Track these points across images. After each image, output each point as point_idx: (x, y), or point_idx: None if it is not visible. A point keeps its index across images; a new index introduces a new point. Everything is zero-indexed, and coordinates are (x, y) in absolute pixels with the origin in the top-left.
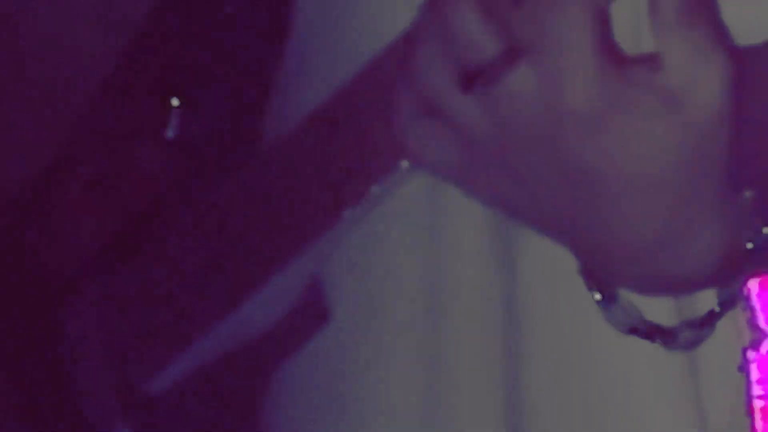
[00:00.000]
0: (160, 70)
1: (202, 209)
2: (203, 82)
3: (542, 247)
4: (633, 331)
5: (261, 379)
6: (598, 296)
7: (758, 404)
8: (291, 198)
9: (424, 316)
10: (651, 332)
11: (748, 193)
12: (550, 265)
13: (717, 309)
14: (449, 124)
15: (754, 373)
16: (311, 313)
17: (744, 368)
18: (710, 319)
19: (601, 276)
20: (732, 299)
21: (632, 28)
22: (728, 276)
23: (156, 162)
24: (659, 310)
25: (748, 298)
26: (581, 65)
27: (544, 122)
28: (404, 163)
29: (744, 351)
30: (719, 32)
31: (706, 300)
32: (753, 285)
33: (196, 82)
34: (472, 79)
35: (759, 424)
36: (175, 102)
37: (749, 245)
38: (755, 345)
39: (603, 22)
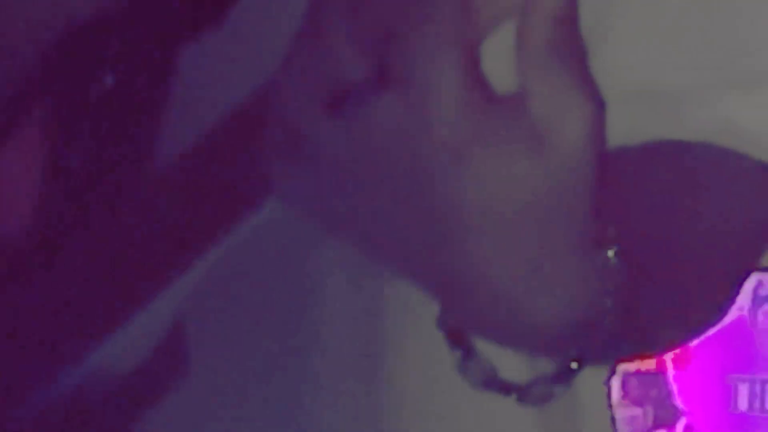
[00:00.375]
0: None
1: (68, 241)
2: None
3: (407, 294)
4: (487, 385)
5: (122, 425)
6: (455, 349)
7: None
8: (155, 235)
9: (288, 364)
10: (504, 387)
11: (610, 252)
12: (413, 314)
13: (573, 366)
14: (314, 155)
15: None
16: (172, 359)
17: None
18: (564, 376)
19: (458, 325)
20: (589, 357)
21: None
22: (587, 333)
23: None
24: (515, 364)
25: (663, 377)
26: (448, 98)
27: (408, 152)
28: (270, 201)
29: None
30: (584, 75)
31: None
32: (668, 364)
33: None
34: (338, 103)
35: None
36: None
37: (608, 302)
38: (669, 424)
39: (473, 56)
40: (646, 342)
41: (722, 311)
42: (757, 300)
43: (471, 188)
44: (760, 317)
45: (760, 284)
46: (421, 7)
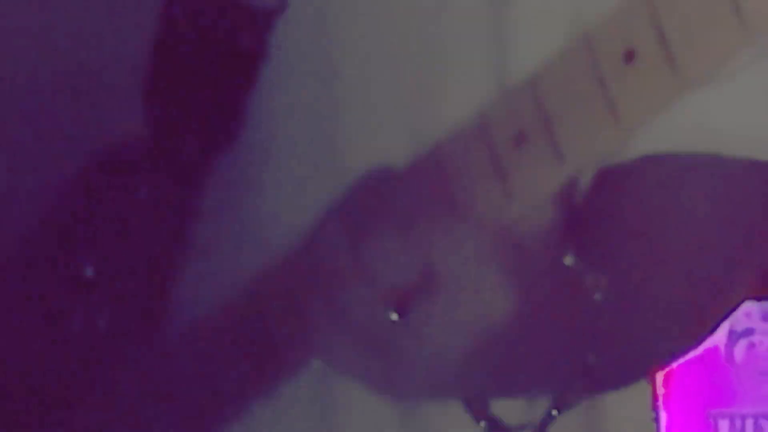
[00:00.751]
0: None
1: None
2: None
3: None
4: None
5: None
6: (483, 424)
7: None
8: (195, 388)
9: None
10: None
11: (597, 295)
12: None
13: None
14: (370, 341)
15: None
16: None
17: None
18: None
19: (479, 399)
20: (579, 390)
21: None
22: (575, 370)
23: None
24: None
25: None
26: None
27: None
28: (315, 361)
29: None
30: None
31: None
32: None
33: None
34: (398, 303)
35: None
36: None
37: (593, 341)
38: None
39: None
40: (623, 376)
41: (703, 337)
42: (733, 335)
43: (515, 301)
44: (737, 352)
45: (735, 320)
46: (459, 219)
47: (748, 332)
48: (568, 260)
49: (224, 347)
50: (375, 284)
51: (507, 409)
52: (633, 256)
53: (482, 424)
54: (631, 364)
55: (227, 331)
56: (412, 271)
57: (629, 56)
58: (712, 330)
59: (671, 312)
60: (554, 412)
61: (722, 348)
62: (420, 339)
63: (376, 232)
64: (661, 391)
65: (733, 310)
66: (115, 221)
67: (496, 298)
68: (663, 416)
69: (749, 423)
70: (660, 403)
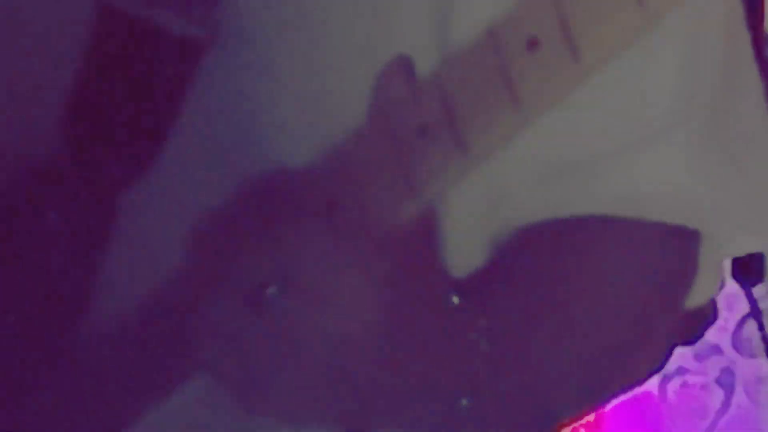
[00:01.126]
0: None
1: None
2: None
3: None
4: None
5: None
6: None
7: None
8: (102, 392)
9: None
10: None
11: (472, 335)
12: None
13: None
14: (243, 346)
15: None
16: None
17: None
18: None
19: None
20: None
21: None
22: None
23: None
24: None
25: None
26: (342, 293)
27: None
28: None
29: None
30: None
31: None
32: None
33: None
34: (253, 300)
35: None
36: None
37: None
38: None
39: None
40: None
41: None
42: (666, 375)
43: (374, 328)
44: (670, 394)
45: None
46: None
47: (681, 371)
48: (455, 299)
49: (130, 352)
50: (233, 283)
51: None
52: (531, 312)
53: None
54: (516, 417)
55: (134, 336)
56: (270, 272)
57: (532, 44)
58: (612, 396)
59: (568, 371)
60: None
61: (656, 389)
62: (276, 338)
63: (241, 231)
64: None
65: (639, 382)
66: (23, 246)
67: (359, 310)
68: None
69: None
70: None
